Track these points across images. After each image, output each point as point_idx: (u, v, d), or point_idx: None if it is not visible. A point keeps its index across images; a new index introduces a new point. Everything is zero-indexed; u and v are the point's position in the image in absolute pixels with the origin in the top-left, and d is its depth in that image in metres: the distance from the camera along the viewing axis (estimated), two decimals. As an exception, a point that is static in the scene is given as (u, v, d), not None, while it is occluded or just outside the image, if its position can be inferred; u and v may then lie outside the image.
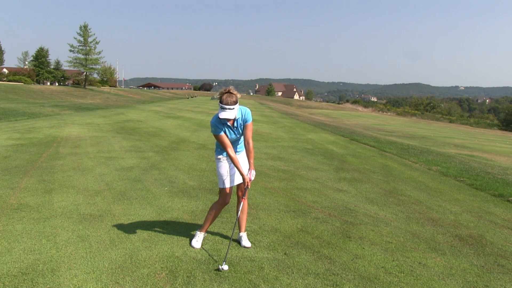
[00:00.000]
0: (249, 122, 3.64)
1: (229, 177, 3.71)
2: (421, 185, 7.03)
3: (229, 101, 3.42)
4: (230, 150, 3.57)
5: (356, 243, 4.05)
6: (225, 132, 3.60)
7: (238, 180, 3.77)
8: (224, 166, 3.71)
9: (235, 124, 3.62)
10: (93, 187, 5.78)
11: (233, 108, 3.43)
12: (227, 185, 3.71)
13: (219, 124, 3.57)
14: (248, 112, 3.65)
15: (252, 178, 3.67)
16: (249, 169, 3.68)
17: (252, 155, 3.66)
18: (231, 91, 3.48)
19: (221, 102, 3.42)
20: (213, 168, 7.53)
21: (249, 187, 3.64)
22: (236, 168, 3.62)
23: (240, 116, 3.61)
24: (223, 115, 3.42)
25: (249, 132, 3.64)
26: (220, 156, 3.74)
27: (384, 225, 4.68)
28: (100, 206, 4.89)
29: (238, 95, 3.50)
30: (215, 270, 3.29)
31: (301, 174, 7.43)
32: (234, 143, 3.73)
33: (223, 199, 3.73)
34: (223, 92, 3.48)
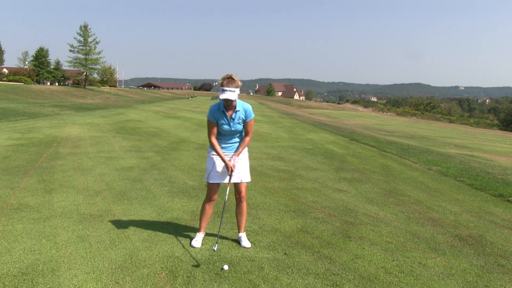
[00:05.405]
0: (250, 119, 3.71)
1: (214, 172, 3.74)
2: (421, 185, 7.03)
3: (230, 85, 3.48)
4: (213, 139, 3.67)
5: (356, 243, 4.05)
6: (217, 122, 3.65)
7: (225, 178, 3.74)
8: (211, 161, 3.76)
9: (233, 116, 3.65)
10: (93, 187, 5.78)
11: (234, 91, 3.49)
12: (211, 180, 3.75)
13: (216, 112, 3.63)
14: (249, 109, 3.71)
15: (236, 164, 3.69)
16: (232, 155, 3.71)
17: (244, 144, 3.73)
18: (233, 77, 3.52)
19: (222, 85, 3.49)
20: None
21: (233, 171, 3.67)
22: (219, 157, 3.66)
23: (242, 110, 3.66)
24: (224, 95, 3.46)
25: (250, 128, 3.74)
26: (212, 151, 3.79)
27: (384, 225, 4.68)
28: (100, 206, 4.89)
29: (239, 82, 3.55)
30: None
31: (301, 174, 7.43)
32: (227, 137, 3.74)
33: (208, 194, 3.80)
34: (225, 77, 3.52)
